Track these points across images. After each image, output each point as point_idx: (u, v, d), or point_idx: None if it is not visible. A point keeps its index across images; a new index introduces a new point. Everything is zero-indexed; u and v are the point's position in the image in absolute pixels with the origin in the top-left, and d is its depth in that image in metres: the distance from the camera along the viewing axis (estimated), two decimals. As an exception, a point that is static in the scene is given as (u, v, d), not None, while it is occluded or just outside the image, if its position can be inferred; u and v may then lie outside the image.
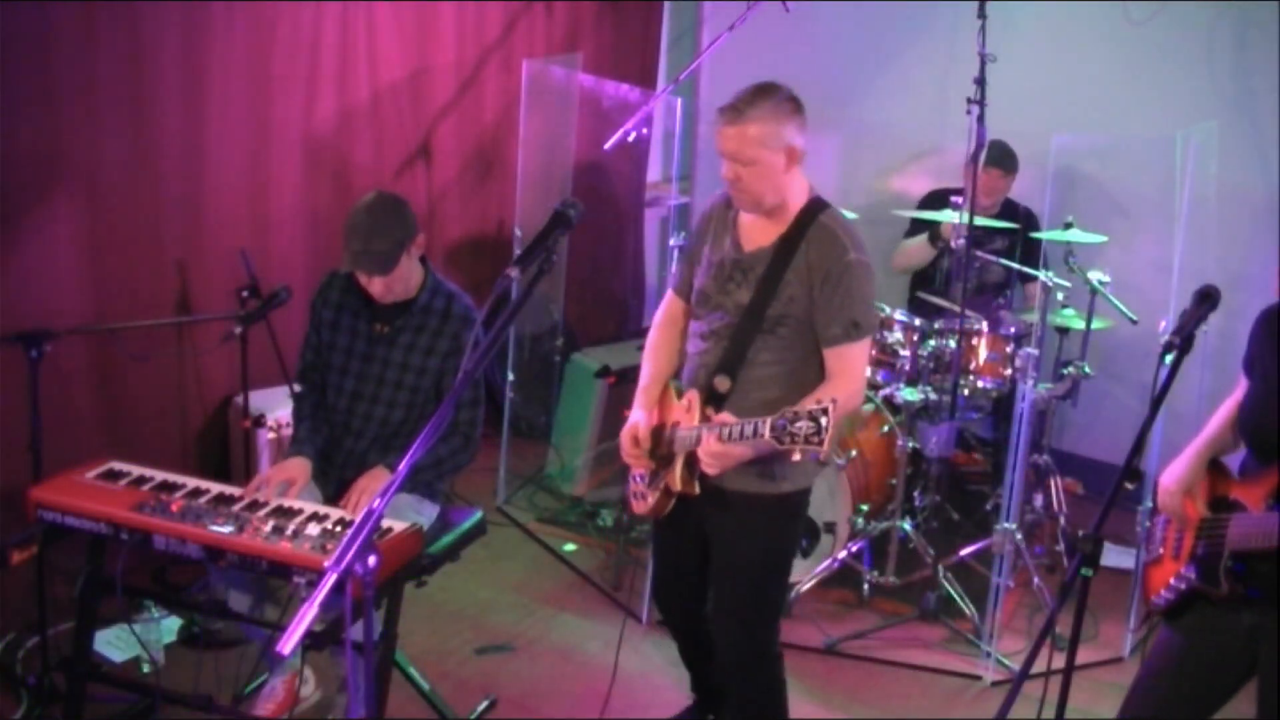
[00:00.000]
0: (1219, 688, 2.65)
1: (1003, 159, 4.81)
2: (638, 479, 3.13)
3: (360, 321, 3.37)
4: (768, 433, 2.62)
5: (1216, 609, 2.59)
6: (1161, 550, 2.69)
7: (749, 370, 2.92)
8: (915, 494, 4.67)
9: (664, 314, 3.23)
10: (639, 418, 3.06)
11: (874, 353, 4.41)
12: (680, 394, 3.06)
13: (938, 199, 4.95)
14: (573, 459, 5.16)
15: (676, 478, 2.95)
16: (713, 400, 2.94)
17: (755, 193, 2.87)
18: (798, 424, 2.57)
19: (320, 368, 3.43)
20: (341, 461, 3.39)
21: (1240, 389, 2.69)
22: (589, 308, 6.12)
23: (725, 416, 2.81)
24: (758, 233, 2.96)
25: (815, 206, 2.92)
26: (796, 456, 2.61)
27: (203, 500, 3.02)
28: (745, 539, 3.02)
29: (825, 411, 2.54)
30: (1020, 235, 4.79)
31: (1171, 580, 2.63)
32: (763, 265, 2.91)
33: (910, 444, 4.42)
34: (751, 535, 3.01)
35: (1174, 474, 2.66)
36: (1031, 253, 4.61)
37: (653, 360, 3.17)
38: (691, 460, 2.92)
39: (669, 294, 3.24)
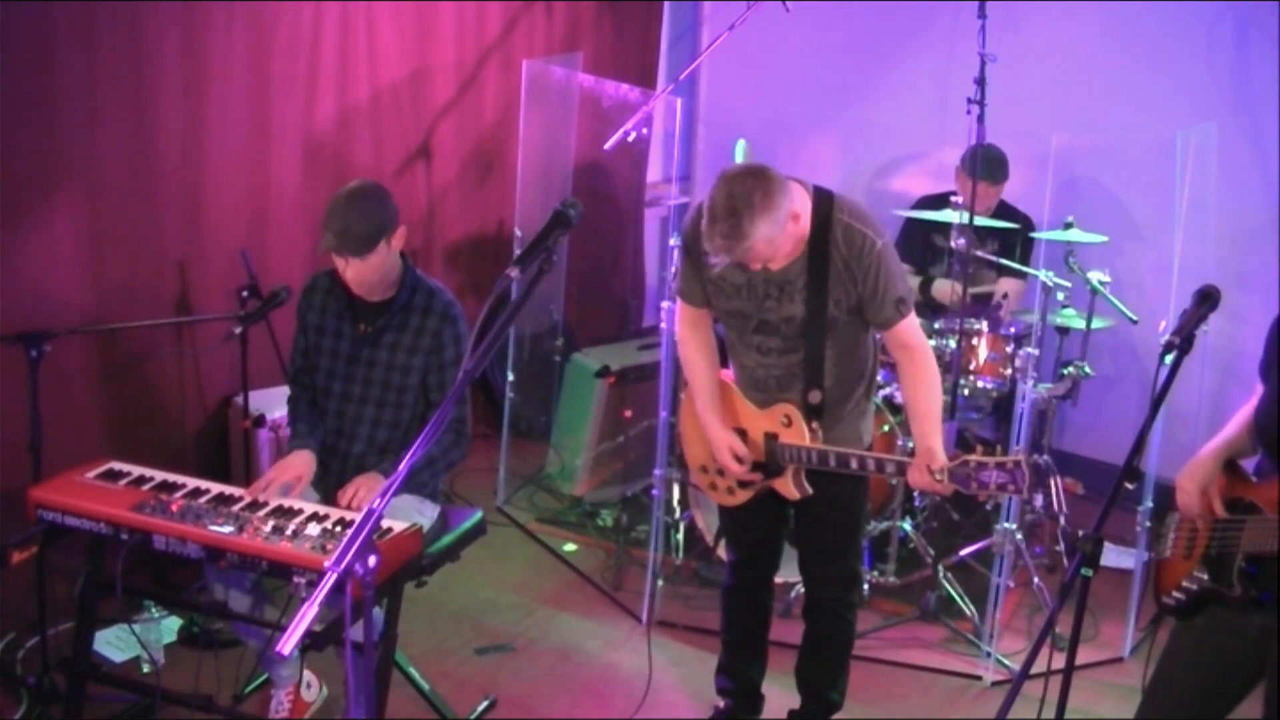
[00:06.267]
0: (1230, 690, 2.64)
1: (988, 169, 4.66)
2: (722, 476, 3.24)
3: (344, 323, 3.33)
4: (949, 481, 2.88)
5: (1228, 610, 2.58)
6: (1173, 550, 2.68)
7: (825, 375, 3.07)
8: (915, 494, 4.66)
9: (687, 322, 3.25)
10: (725, 433, 3.16)
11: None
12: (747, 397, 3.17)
13: (929, 205, 4.94)
14: (572, 459, 5.15)
15: (791, 488, 3.13)
16: (812, 414, 3.08)
17: (780, 257, 2.96)
18: (984, 474, 2.80)
19: (310, 370, 3.42)
20: (338, 468, 3.37)
21: (1257, 393, 2.68)
22: (589, 308, 6.12)
23: (940, 461, 2.90)
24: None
25: (824, 207, 2.96)
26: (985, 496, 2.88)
27: (203, 500, 3.02)
28: (844, 498, 3.24)
29: (1019, 464, 2.79)
30: (1019, 238, 4.77)
31: (1183, 582, 2.63)
32: (801, 277, 2.99)
33: (910, 444, 4.41)
34: (848, 494, 3.24)
35: (1191, 474, 2.65)
36: (1024, 258, 4.61)
37: (702, 371, 3.23)
38: (800, 471, 3.13)
39: (682, 305, 3.25)
